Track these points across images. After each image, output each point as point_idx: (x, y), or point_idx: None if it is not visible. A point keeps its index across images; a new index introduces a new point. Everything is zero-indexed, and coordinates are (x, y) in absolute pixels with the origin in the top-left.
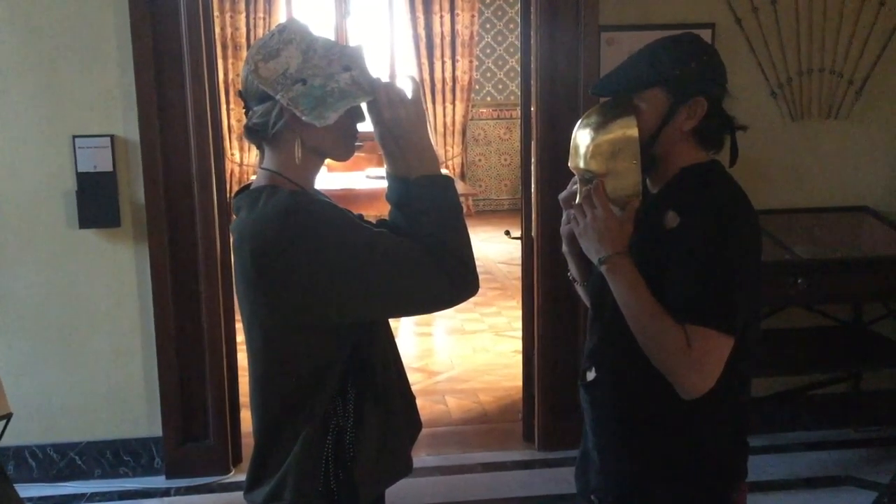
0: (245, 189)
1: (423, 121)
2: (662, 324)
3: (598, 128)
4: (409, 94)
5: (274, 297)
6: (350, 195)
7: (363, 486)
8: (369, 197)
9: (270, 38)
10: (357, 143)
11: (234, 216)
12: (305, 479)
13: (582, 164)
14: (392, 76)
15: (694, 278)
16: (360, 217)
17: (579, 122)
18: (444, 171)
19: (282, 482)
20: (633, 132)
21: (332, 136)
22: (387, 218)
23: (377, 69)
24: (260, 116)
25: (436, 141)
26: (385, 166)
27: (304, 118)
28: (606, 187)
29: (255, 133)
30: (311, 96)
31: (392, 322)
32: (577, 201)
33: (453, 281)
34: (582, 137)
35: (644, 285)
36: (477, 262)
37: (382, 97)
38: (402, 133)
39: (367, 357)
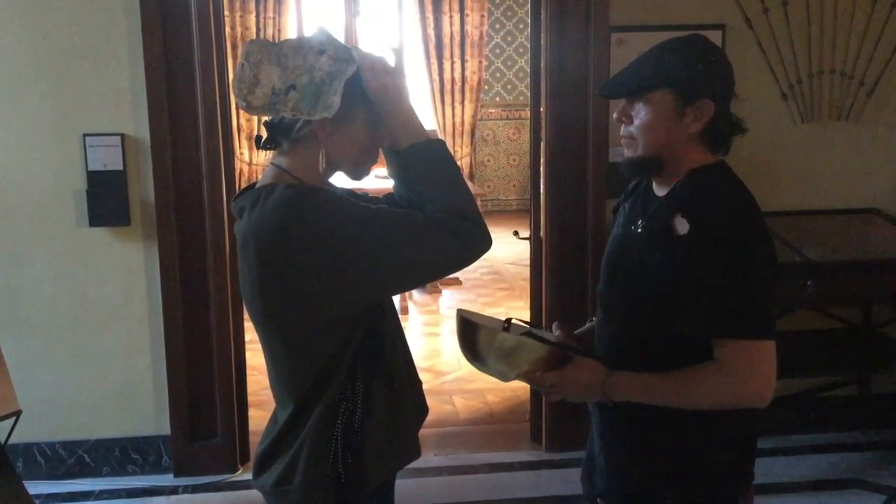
0: (247, 190)
1: (407, 90)
2: (693, 383)
3: (489, 355)
4: (392, 65)
5: (286, 292)
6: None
7: (371, 470)
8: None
9: (242, 70)
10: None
11: (238, 218)
12: (315, 462)
13: (512, 377)
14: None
15: (723, 294)
16: (366, 196)
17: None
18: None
19: (291, 466)
20: (491, 336)
21: (353, 155)
22: (393, 194)
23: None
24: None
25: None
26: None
27: (314, 119)
28: (535, 366)
29: (277, 129)
30: (307, 95)
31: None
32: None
33: (462, 239)
34: (493, 372)
35: (648, 376)
36: (485, 263)
37: (366, 65)
38: (387, 103)
39: (377, 339)
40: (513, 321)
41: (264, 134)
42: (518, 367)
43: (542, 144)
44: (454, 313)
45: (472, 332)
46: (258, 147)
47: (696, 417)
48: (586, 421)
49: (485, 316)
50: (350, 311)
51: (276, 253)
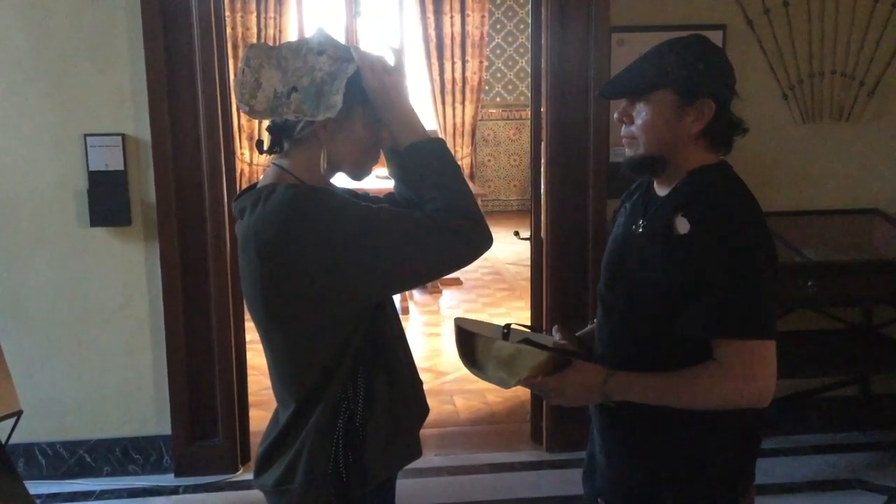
0: (248, 190)
1: (407, 89)
2: (693, 383)
3: (487, 364)
4: (392, 64)
5: (287, 292)
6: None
7: (372, 469)
8: None
9: (243, 74)
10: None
11: (239, 219)
12: (316, 462)
13: (512, 385)
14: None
15: (723, 294)
16: (367, 196)
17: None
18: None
19: (293, 466)
20: (488, 345)
21: (354, 155)
22: (394, 193)
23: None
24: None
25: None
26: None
27: (317, 119)
28: (534, 372)
29: (279, 131)
30: (309, 96)
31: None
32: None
33: (463, 238)
34: (493, 380)
35: (648, 377)
36: (486, 263)
37: (366, 64)
38: (386, 102)
39: (378, 339)
40: (512, 326)
41: (265, 138)
42: (517, 374)
43: (543, 145)
44: (453, 315)
45: (469, 342)
46: (261, 152)
47: (696, 417)
48: (586, 421)
49: (482, 323)
50: (351, 310)
51: (277, 252)
